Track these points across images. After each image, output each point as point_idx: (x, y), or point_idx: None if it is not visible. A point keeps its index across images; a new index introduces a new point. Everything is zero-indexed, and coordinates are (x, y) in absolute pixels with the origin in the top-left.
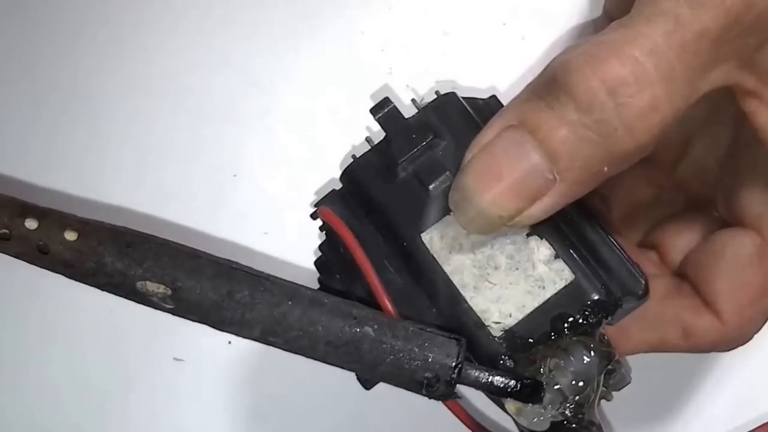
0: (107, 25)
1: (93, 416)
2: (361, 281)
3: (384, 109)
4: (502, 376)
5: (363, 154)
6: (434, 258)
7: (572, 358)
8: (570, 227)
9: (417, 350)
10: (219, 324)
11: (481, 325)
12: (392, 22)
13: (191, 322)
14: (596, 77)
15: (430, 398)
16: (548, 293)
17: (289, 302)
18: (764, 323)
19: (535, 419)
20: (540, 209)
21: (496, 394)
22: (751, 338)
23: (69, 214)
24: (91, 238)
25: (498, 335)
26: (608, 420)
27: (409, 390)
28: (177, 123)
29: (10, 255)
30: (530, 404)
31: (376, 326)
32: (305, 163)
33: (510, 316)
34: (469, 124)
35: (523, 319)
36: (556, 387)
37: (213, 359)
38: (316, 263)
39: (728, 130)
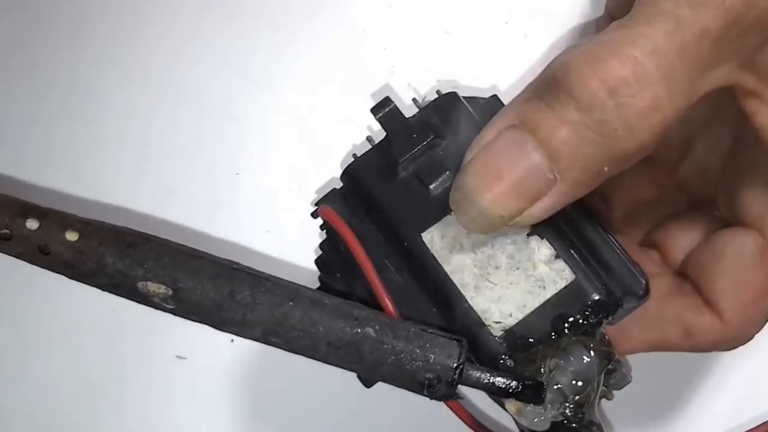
0: (106, 22)
1: (94, 414)
2: (362, 280)
3: (384, 109)
4: (503, 377)
5: (364, 154)
6: (435, 257)
7: (572, 358)
8: (570, 227)
9: (418, 351)
10: (220, 324)
11: (481, 325)
12: (394, 21)
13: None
14: (597, 77)
15: (431, 399)
16: (549, 293)
17: (291, 303)
18: (765, 323)
19: (536, 419)
20: (540, 209)
21: (498, 395)
22: (752, 338)
23: (70, 214)
24: (92, 239)
25: (498, 335)
26: (608, 420)
27: (411, 391)
28: (178, 121)
29: (11, 255)
30: (531, 404)
31: (377, 327)
32: (306, 162)
33: (510, 315)
34: (469, 123)
35: (523, 319)
36: (556, 387)
37: (215, 357)
38: (317, 262)
39: (730, 130)
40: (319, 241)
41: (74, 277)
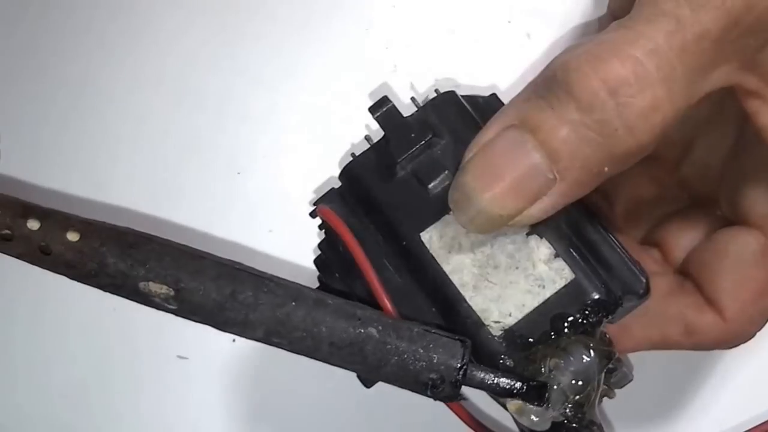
0: (113, 24)
1: (95, 414)
2: (361, 280)
3: (382, 108)
4: (507, 377)
5: (362, 153)
6: (433, 257)
7: (572, 358)
8: (570, 226)
9: (422, 351)
10: (222, 325)
11: (480, 325)
12: (397, 20)
13: None
14: (597, 77)
15: (435, 400)
16: (548, 292)
17: (293, 303)
18: (766, 322)
19: (537, 419)
20: (540, 209)
21: (502, 396)
22: (753, 336)
23: (71, 215)
24: (93, 239)
25: (498, 334)
26: (609, 419)
27: (414, 391)
28: (178, 121)
29: (12, 256)
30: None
31: (380, 327)
32: (311, 161)
33: (510, 315)
34: (468, 122)
35: (522, 319)
36: (556, 387)
37: (217, 357)
38: (316, 262)
39: (732, 129)
40: (319, 240)
41: (75, 278)
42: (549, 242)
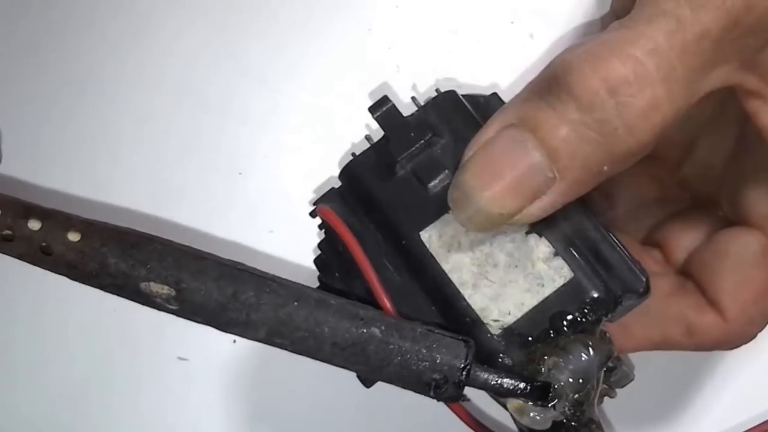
0: (114, 24)
1: (95, 415)
2: (360, 279)
3: (382, 108)
4: (511, 377)
5: (362, 152)
6: (433, 256)
7: (571, 356)
8: (570, 225)
9: (425, 351)
10: (224, 325)
11: (479, 323)
12: (400, 20)
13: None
14: (597, 76)
15: (438, 400)
16: (547, 291)
17: (295, 303)
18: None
19: (538, 418)
20: (539, 208)
21: (505, 396)
22: (754, 337)
23: (72, 215)
24: (94, 239)
25: (497, 333)
26: (609, 419)
27: (417, 392)
28: (179, 121)
29: (13, 256)
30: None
31: (383, 327)
32: (312, 161)
33: (509, 314)
34: (468, 122)
35: (522, 317)
36: (555, 385)
37: (217, 358)
38: (316, 261)
39: (733, 129)
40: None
41: (76, 278)
42: (548, 241)
